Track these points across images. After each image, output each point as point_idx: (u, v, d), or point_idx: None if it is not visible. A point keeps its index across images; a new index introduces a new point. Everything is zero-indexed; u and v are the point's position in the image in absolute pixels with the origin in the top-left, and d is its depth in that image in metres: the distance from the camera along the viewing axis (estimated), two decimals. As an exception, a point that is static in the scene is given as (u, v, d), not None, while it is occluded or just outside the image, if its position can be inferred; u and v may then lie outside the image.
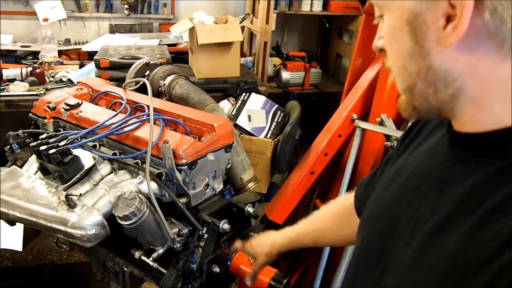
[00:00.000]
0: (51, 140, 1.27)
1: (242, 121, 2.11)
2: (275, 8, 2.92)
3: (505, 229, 0.47)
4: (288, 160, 2.21)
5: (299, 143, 2.40)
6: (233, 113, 2.11)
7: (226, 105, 2.20)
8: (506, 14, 0.46)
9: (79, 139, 1.36)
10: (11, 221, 1.28)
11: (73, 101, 1.52)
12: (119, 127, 1.35)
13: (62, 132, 1.36)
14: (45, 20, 2.70)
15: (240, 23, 2.46)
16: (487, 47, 0.49)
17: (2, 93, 2.20)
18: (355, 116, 1.96)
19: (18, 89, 2.23)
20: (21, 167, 1.46)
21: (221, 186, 1.47)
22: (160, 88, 1.67)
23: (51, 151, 1.22)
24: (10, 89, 2.22)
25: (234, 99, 2.24)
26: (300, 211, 2.26)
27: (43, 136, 1.31)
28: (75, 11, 2.97)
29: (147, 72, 1.74)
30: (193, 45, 2.44)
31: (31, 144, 1.28)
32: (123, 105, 1.47)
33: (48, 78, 2.47)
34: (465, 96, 0.53)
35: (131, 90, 1.65)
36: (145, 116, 1.39)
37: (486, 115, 0.53)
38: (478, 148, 0.55)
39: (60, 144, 1.25)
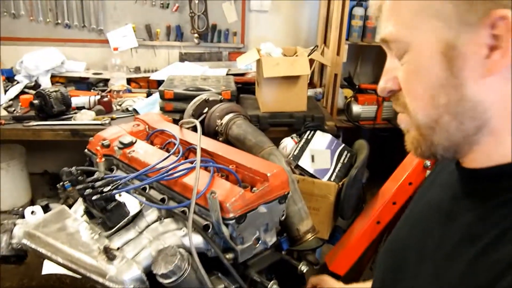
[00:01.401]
0: (97, 184, 1.22)
1: (304, 162, 1.98)
2: (347, 39, 2.79)
3: (505, 257, 0.49)
4: (353, 205, 2.04)
5: (366, 186, 2.22)
6: (295, 153, 1.98)
7: (289, 143, 2.08)
8: None
9: (126, 183, 1.31)
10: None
11: (127, 139, 1.48)
12: (167, 172, 1.27)
13: (109, 175, 1.31)
14: (115, 49, 2.77)
15: (308, 56, 2.35)
16: None
17: (68, 122, 2.23)
18: (428, 163, 1.78)
19: (85, 117, 2.26)
20: (71, 205, 1.44)
21: (274, 239, 1.36)
22: (217, 128, 1.59)
23: (94, 197, 1.17)
24: (77, 117, 2.26)
25: (298, 137, 2.12)
26: (364, 262, 2.07)
27: (90, 178, 1.27)
28: (146, 40, 3.03)
29: (206, 109, 1.67)
30: (259, 77, 2.36)
31: (77, 187, 1.24)
32: (176, 147, 1.41)
33: (116, 106, 2.50)
34: (487, 129, 0.54)
35: (188, 128, 1.59)
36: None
37: (501, 148, 0.54)
38: (484, 182, 0.58)
39: (105, 189, 1.20)
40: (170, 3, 2.96)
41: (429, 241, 0.64)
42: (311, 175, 1.98)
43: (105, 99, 2.43)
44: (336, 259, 1.93)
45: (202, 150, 1.41)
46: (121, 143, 1.48)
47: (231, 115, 1.60)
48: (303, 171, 1.98)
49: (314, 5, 3.16)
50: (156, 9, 2.97)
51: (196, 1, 2.89)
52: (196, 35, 2.99)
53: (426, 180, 0.84)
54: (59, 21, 2.93)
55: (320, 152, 2.04)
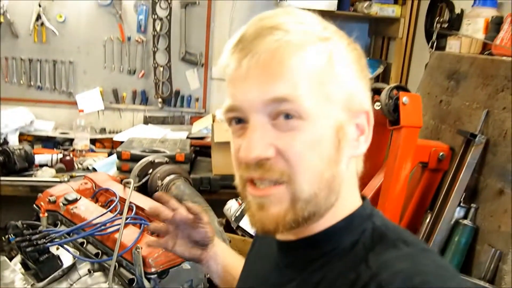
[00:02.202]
0: (34, 237, 1.32)
1: (246, 223, 2.09)
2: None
3: None
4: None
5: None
6: (237, 215, 2.10)
7: (233, 205, 2.20)
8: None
9: (64, 236, 1.41)
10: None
11: (72, 196, 1.60)
12: (100, 228, 1.39)
13: (48, 229, 1.42)
14: (81, 111, 2.93)
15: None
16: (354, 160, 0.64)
17: (28, 178, 2.34)
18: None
19: (45, 174, 2.37)
20: (13, 258, 1.52)
21: (201, 296, 1.44)
22: (157, 188, 1.72)
23: (28, 249, 1.27)
24: (38, 174, 2.37)
25: (242, 199, 2.24)
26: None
27: (29, 231, 1.37)
28: (113, 102, 3.20)
29: (150, 170, 1.80)
30: (212, 142, 2.52)
31: (15, 239, 1.34)
32: (114, 204, 1.53)
33: (77, 165, 2.61)
34: (337, 201, 0.60)
35: (129, 186, 1.71)
36: (129, 218, 1.43)
37: (327, 217, 0.61)
38: (298, 253, 0.64)
39: (40, 242, 1.30)
40: (136, 69, 3.17)
41: None
42: (251, 236, 2.08)
43: (67, 157, 2.55)
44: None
45: (139, 208, 1.53)
46: (66, 199, 1.59)
47: (172, 176, 1.74)
48: (244, 232, 2.08)
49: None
50: (124, 75, 3.17)
51: (161, 69, 3.11)
52: (160, 99, 3.18)
53: (249, 254, 0.86)
54: (32, 83, 3.10)
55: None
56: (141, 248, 1.27)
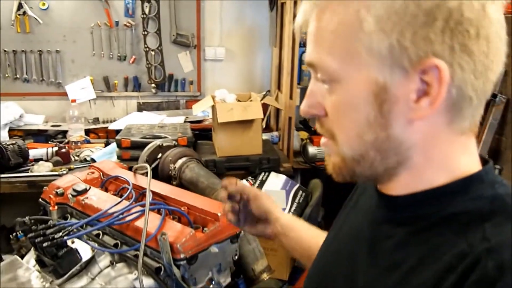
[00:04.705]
0: (48, 231, 1.23)
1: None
2: (298, 83, 2.92)
3: (425, 282, 0.50)
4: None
5: (323, 224, 2.27)
6: (250, 194, 2.04)
7: (244, 185, 2.14)
8: (467, 92, 0.50)
9: (77, 229, 1.32)
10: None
11: (81, 187, 1.51)
12: (119, 216, 1.30)
13: (60, 222, 1.33)
14: (73, 101, 2.81)
15: (261, 100, 2.46)
16: (443, 119, 0.53)
17: (25, 174, 2.23)
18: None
19: (42, 169, 2.26)
20: (24, 255, 1.43)
21: (229, 280, 1.38)
22: (170, 172, 1.63)
23: (45, 244, 1.18)
24: (34, 169, 2.26)
25: (253, 179, 2.18)
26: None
27: (41, 226, 1.28)
28: (104, 91, 3.08)
29: (160, 155, 1.72)
30: (215, 123, 2.44)
31: (29, 236, 1.25)
32: (128, 191, 1.44)
33: (74, 157, 2.51)
34: (408, 163, 0.56)
35: (141, 173, 1.63)
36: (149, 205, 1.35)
37: (418, 181, 0.56)
38: (401, 209, 0.59)
39: (56, 236, 1.21)
40: (127, 55, 3.05)
41: (355, 269, 0.63)
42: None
43: (63, 150, 2.44)
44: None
45: (155, 193, 1.45)
46: (74, 190, 1.50)
47: (184, 159, 1.66)
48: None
49: (267, 53, 3.31)
50: (114, 61, 3.05)
51: (153, 53, 2.99)
52: (153, 85, 3.07)
53: (348, 202, 0.82)
54: (18, 76, 2.96)
55: (275, 192, 2.10)
56: (167, 234, 1.19)
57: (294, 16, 2.58)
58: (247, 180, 2.18)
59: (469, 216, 0.52)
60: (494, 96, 1.62)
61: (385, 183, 0.60)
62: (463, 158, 0.56)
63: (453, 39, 0.48)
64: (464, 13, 0.48)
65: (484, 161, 0.58)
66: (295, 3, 2.52)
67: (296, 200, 2.14)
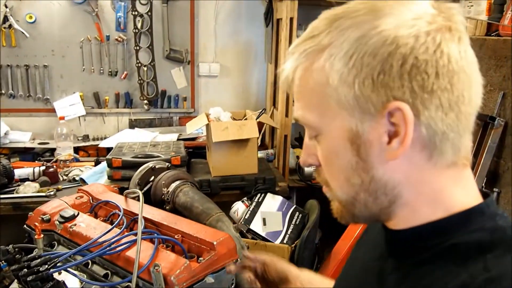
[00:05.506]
0: (33, 263, 1.15)
1: (256, 225, 1.96)
2: (293, 101, 2.86)
3: None
4: (308, 267, 2.01)
5: (321, 246, 2.21)
6: (246, 217, 1.96)
7: (240, 207, 2.07)
8: (437, 128, 0.53)
9: (65, 260, 1.24)
10: None
11: (69, 213, 1.43)
12: (109, 246, 1.22)
13: (47, 253, 1.25)
14: (61, 118, 2.72)
15: (257, 119, 2.39)
16: (420, 156, 0.55)
17: (10, 195, 2.14)
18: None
19: (28, 190, 2.17)
20: (8, 286, 1.35)
21: (225, 309, 1.31)
22: (163, 196, 1.56)
23: (29, 278, 1.10)
24: (20, 190, 2.17)
25: (249, 200, 2.10)
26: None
27: (26, 257, 1.20)
28: (95, 107, 2.99)
29: (152, 178, 1.64)
30: (209, 142, 2.37)
31: (12, 268, 1.17)
32: (119, 218, 1.36)
33: (62, 176, 2.42)
34: (400, 201, 0.58)
35: (133, 198, 1.55)
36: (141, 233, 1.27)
37: (416, 215, 0.58)
38: (403, 243, 0.61)
39: (41, 269, 1.13)
40: (118, 70, 2.97)
41: None
42: (263, 239, 1.95)
43: (51, 169, 2.35)
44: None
45: (147, 220, 1.37)
46: (62, 217, 1.42)
47: (177, 182, 1.58)
48: (255, 235, 1.95)
49: (262, 69, 3.26)
50: (104, 77, 2.97)
51: (145, 68, 2.92)
52: (145, 101, 2.99)
53: (360, 238, 0.85)
54: (3, 91, 2.86)
55: (272, 214, 2.03)
56: (160, 265, 1.11)
57: (291, 32, 2.56)
58: (242, 201, 2.10)
59: (470, 247, 0.53)
60: (492, 119, 1.61)
61: (387, 220, 0.62)
62: (457, 191, 0.57)
63: (412, 81, 0.51)
64: (419, 56, 0.51)
65: (485, 194, 0.60)
66: (291, 20, 2.48)
67: (293, 222, 2.08)
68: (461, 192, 0.58)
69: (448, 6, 0.55)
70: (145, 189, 1.61)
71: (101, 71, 2.96)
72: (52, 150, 2.75)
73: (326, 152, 0.61)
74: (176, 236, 1.29)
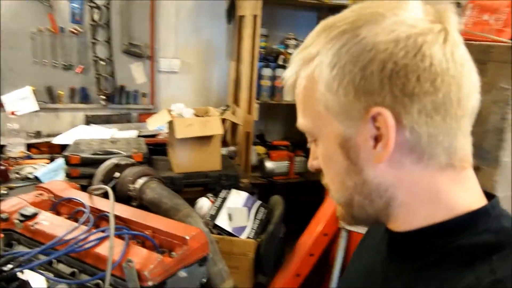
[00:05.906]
0: (-5, 263, 1.09)
1: (222, 221, 1.95)
2: (257, 99, 2.87)
3: None
4: (272, 261, 2.02)
5: (284, 241, 2.22)
6: (212, 213, 1.95)
7: (205, 203, 2.05)
8: (422, 131, 0.53)
9: (30, 259, 1.18)
10: None
11: (30, 211, 1.35)
12: (76, 244, 1.17)
13: (9, 252, 1.18)
14: (12, 113, 2.58)
15: (220, 115, 2.38)
16: (409, 159, 0.55)
17: (-42, 195, 2.01)
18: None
19: (-22, 189, 2.05)
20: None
21: (196, 304, 1.29)
22: (130, 193, 1.51)
23: (-8, 279, 1.04)
24: (-31, 189, 2.04)
25: (214, 196, 2.09)
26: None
27: (-13, 257, 1.13)
28: (48, 102, 2.87)
29: (116, 174, 1.59)
30: (172, 139, 2.33)
31: (-29, 269, 1.10)
32: (85, 215, 1.31)
33: (14, 174, 2.30)
34: (396, 203, 0.58)
35: (97, 194, 1.49)
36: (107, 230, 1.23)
37: (416, 217, 0.58)
38: (407, 244, 0.61)
39: (5, 268, 1.07)
40: (73, 64, 2.86)
41: None
42: (229, 234, 1.95)
43: (1, 167, 2.23)
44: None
45: (115, 217, 1.33)
46: (22, 215, 1.34)
47: (144, 178, 1.54)
48: (221, 230, 1.94)
49: (224, 66, 3.25)
50: (58, 70, 2.84)
51: (103, 63, 2.83)
52: (103, 96, 2.90)
53: (361, 241, 0.85)
54: None
55: (237, 210, 2.02)
56: (133, 260, 1.08)
57: (254, 30, 2.55)
58: (207, 197, 2.08)
59: (476, 249, 0.53)
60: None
61: (387, 222, 0.63)
62: (458, 192, 0.57)
63: (392, 86, 0.52)
64: (398, 60, 0.51)
65: (489, 196, 0.60)
66: (255, 17, 2.48)
67: (258, 217, 2.08)
68: (463, 193, 0.58)
69: (439, 7, 0.55)
70: (109, 185, 1.56)
71: (55, 64, 2.83)
72: (2, 147, 2.61)
73: (323, 156, 0.63)
74: (146, 232, 1.26)
